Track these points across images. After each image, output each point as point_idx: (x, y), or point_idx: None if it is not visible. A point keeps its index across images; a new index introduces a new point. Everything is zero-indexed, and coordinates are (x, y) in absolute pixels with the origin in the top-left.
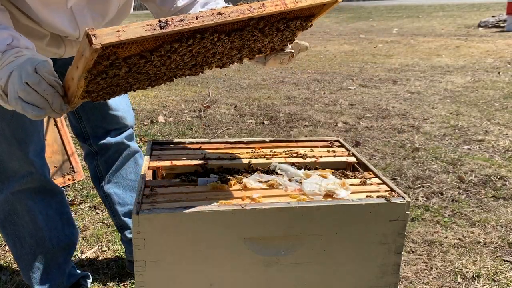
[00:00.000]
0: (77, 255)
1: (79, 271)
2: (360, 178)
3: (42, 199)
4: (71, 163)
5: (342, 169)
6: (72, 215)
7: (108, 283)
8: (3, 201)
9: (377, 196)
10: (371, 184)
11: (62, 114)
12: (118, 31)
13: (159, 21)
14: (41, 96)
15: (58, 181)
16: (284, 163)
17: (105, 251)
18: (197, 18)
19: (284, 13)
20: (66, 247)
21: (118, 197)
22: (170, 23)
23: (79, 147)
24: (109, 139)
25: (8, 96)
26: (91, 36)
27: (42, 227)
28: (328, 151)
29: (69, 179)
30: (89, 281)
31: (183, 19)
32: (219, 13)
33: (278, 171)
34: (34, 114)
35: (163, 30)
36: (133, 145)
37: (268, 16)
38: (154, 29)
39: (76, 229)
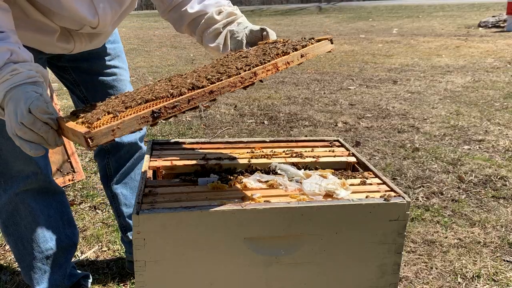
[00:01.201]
0: (77, 255)
1: (79, 271)
2: (360, 178)
3: (44, 200)
4: (71, 163)
5: (342, 169)
6: (73, 215)
7: (108, 283)
8: (7, 201)
9: (377, 196)
10: (371, 184)
11: (58, 146)
12: (113, 130)
13: (152, 112)
14: (36, 133)
15: (58, 181)
16: (284, 163)
17: (105, 251)
18: (188, 102)
19: None
20: (67, 247)
21: (124, 198)
22: (163, 112)
23: (79, 147)
24: (122, 138)
25: (7, 130)
26: (88, 139)
27: (44, 228)
28: (328, 151)
29: (69, 179)
30: (90, 281)
31: (176, 105)
32: (211, 92)
33: (278, 171)
34: (33, 152)
35: (156, 120)
36: (144, 147)
37: None
38: (148, 121)
39: (76, 229)
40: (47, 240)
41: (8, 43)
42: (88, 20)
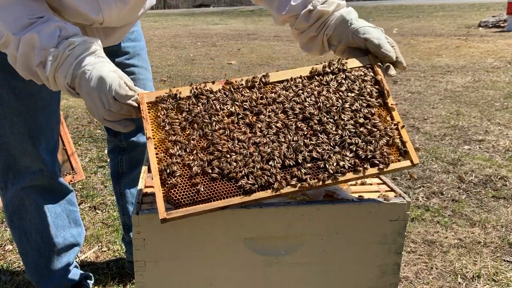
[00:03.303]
0: (77, 255)
1: (82, 271)
2: None
3: (51, 197)
4: (71, 163)
5: None
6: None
7: (108, 283)
8: (13, 195)
9: (377, 196)
10: (371, 184)
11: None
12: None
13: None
14: (124, 114)
15: None
16: None
17: (105, 251)
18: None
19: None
20: (71, 246)
21: (132, 197)
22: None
23: (79, 147)
24: (139, 138)
25: (93, 114)
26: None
27: (49, 225)
28: None
29: (69, 180)
30: (91, 282)
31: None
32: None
33: None
34: (126, 129)
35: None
36: None
37: None
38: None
39: (82, 229)
40: (52, 237)
41: (54, 21)
42: (91, 17)
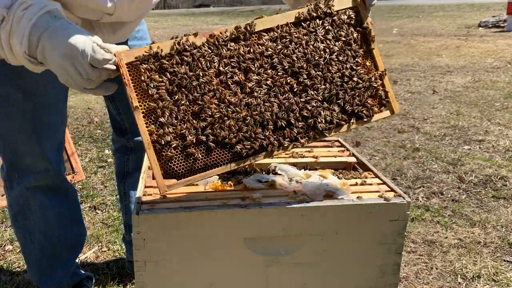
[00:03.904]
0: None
1: (83, 272)
2: (360, 178)
3: (55, 197)
4: (71, 163)
5: (342, 169)
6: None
7: (108, 284)
8: (18, 194)
9: (377, 196)
10: (371, 184)
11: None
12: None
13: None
14: (103, 78)
15: None
16: (284, 163)
17: (105, 251)
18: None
19: None
20: (74, 246)
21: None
22: None
23: (79, 147)
24: None
25: (72, 86)
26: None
27: (53, 224)
28: (328, 151)
29: (69, 180)
30: (92, 282)
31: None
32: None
33: (278, 172)
34: (109, 91)
35: None
36: None
37: None
38: None
39: (85, 229)
40: (55, 237)
41: None
42: (103, 5)
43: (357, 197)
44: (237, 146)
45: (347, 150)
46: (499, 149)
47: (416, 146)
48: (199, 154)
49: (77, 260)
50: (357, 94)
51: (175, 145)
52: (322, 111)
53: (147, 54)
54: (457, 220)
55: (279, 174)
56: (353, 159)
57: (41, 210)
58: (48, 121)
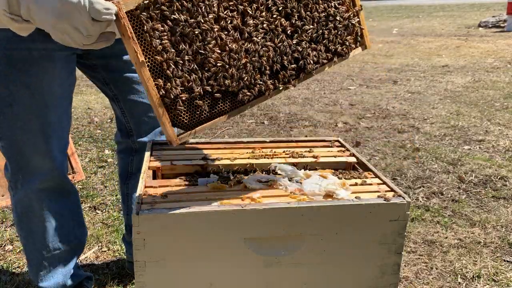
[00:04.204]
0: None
1: (83, 272)
2: (360, 178)
3: (59, 199)
4: (71, 163)
5: (342, 169)
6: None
7: (108, 284)
8: (23, 196)
9: (377, 196)
10: (371, 184)
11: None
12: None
13: None
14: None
15: None
16: (284, 163)
17: (105, 251)
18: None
19: None
20: (75, 248)
21: None
22: None
23: (79, 147)
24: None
25: (72, 45)
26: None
27: (55, 226)
28: (328, 151)
29: None
30: (92, 282)
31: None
32: None
33: (278, 172)
34: (110, 42)
35: None
36: None
37: None
38: None
39: (85, 230)
40: (57, 238)
41: None
42: None
43: (357, 197)
44: (240, 94)
45: (347, 150)
46: (499, 149)
47: (416, 146)
48: (206, 105)
49: (77, 261)
50: (339, 33)
51: (184, 98)
52: (310, 52)
53: (147, 1)
54: (457, 220)
55: (279, 174)
56: (353, 159)
57: (44, 213)
58: (54, 120)
